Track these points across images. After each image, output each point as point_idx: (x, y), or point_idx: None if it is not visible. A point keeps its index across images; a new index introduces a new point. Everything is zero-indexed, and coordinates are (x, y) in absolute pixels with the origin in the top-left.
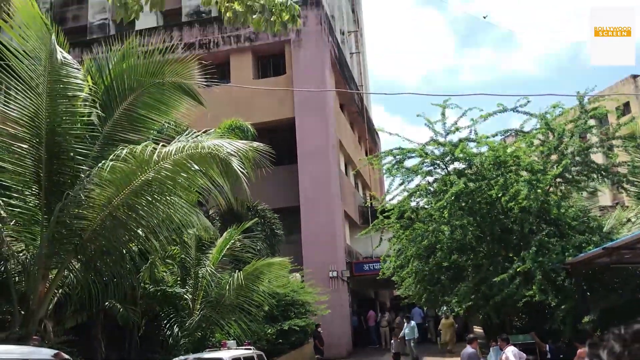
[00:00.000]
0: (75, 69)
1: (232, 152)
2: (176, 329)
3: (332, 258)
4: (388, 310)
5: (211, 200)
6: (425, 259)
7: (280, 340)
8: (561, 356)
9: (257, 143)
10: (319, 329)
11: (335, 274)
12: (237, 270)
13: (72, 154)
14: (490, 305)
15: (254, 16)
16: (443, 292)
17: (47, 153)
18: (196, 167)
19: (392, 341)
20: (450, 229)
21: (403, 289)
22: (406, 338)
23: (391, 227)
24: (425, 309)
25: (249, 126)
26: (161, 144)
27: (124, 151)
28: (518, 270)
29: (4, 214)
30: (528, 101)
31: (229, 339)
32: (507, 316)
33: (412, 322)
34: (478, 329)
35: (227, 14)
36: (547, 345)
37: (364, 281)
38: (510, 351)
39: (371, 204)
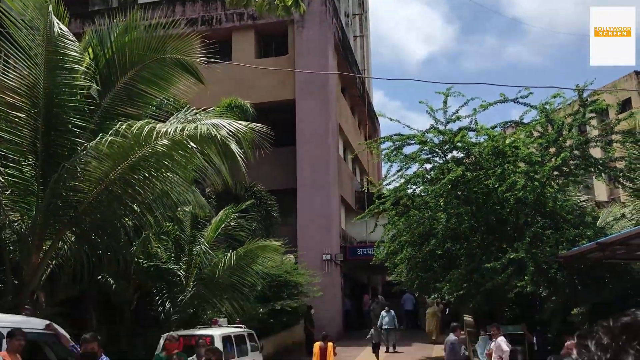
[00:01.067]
0: (71, 41)
1: (230, 133)
2: (168, 305)
3: (326, 241)
4: (379, 294)
5: (208, 178)
6: (419, 246)
7: (271, 320)
8: (549, 348)
9: (257, 124)
10: (312, 311)
11: (328, 257)
12: (231, 250)
13: (70, 126)
14: (481, 293)
15: None
16: (435, 279)
17: (45, 124)
18: (193, 145)
19: (372, 330)
20: (446, 216)
21: (395, 275)
22: (385, 327)
23: (387, 213)
24: (416, 295)
25: (249, 106)
26: (159, 123)
27: (123, 126)
28: (511, 258)
29: (1, 182)
30: (530, 93)
31: (220, 317)
32: (497, 306)
33: (392, 312)
34: (469, 318)
35: None
36: (535, 337)
37: (357, 266)
38: (503, 340)
39: (368, 189)
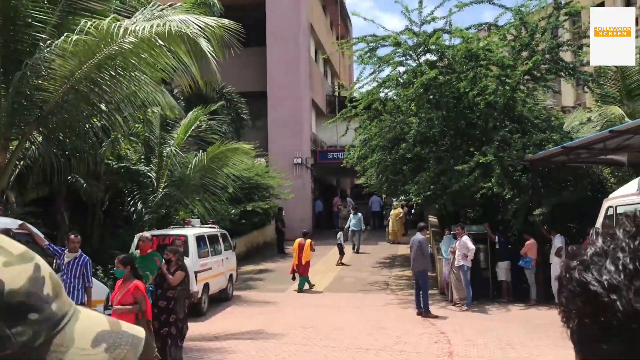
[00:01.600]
0: None
1: (200, 29)
2: (140, 206)
3: (297, 145)
4: (348, 197)
5: (177, 78)
6: (389, 150)
7: (243, 221)
8: (509, 246)
9: (227, 20)
10: (283, 212)
11: (299, 160)
12: (201, 151)
13: (29, 20)
14: (447, 194)
15: None
16: (404, 182)
17: (2, 17)
18: (162, 43)
19: (341, 233)
20: (417, 121)
21: (365, 178)
22: (352, 229)
23: (358, 118)
24: (384, 197)
25: (216, 1)
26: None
27: (88, 24)
28: (479, 162)
29: None
30: None
31: (193, 218)
32: (462, 207)
33: (359, 214)
34: (433, 219)
35: None
36: (497, 236)
37: (327, 169)
38: (468, 239)
39: (339, 93)
